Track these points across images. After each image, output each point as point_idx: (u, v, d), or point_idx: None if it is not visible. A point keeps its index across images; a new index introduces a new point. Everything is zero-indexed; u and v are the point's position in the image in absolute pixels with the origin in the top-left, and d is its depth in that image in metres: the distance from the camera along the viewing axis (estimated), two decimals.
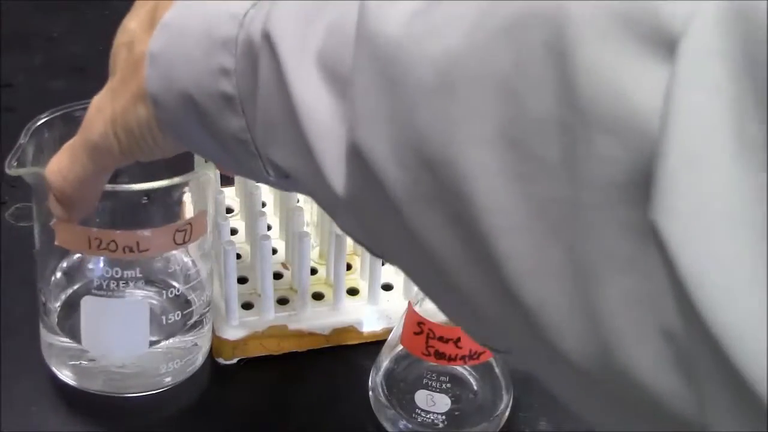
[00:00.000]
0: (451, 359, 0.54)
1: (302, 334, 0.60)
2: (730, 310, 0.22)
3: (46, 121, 0.54)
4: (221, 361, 0.59)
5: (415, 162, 0.30)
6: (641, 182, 0.24)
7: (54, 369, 0.57)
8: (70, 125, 0.54)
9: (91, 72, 0.83)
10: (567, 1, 0.26)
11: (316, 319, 0.60)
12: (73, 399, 0.56)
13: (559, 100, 0.26)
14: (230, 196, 0.68)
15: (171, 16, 0.40)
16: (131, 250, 0.51)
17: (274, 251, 0.62)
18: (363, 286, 0.63)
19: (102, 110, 0.43)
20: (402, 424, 0.55)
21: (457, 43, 0.29)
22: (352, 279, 0.63)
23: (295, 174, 0.36)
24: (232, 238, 0.62)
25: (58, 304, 0.58)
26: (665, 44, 0.24)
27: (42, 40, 0.87)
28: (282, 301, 0.61)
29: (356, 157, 0.32)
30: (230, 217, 0.66)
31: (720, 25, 0.23)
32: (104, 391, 0.56)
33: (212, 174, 0.55)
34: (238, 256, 0.60)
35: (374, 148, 0.31)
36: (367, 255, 0.62)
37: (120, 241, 0.51)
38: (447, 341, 0.53)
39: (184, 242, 0.53)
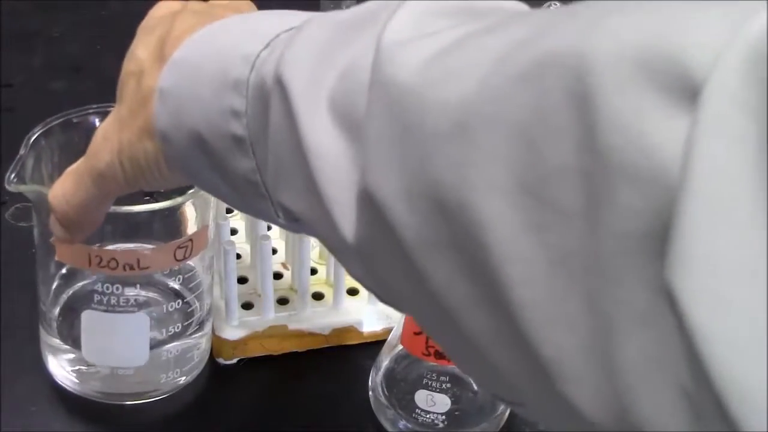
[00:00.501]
0: None
1: (302, 334, 0.60)
2: (737, 370, 0.21)
3: (44, 131, 0.53)
4: (221, 361, 0.59)
5: (429, 209, 0.29)
6: (661, 234, 0.23)
7: (53, 373, 0.57)
8: (69, 132, 0.54)
9: (90, 72, 0.83)
10: (586, 48, 0.25)
11: (316, 319, 0.60)
12: (72, 399, 0.56)
13: (580, 148, 0.25)
14: None
15: (182, 53, 0.40)
16: (132, 268, 0.51)
17: (274, 251, 0.62)
18: None
19: (108, 139, 0.43)
20: (402, 424, 0.55)
21: (473, 89, 0.28)
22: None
23: (305, 218, 0.36)
24: (232, 238, 0.62)
25: (57, 309, 0.58)
26: (688, 92, 0.23)
27: (42, 40, 0.87)
28: (282, 301, 0.61)
29: (368, 203, 0.32)
30: (230, 217, 0.66)
31: (743, 72, 0.22)
32: (104, 399, 0.56)
33: None
34: (238, 256, 0.60)
35: (387, 194, 0.31)
36: None
37: (120, 258, 0.51)
38: None
39: (185, 258, 0.53)
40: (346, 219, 0.33)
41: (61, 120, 0.54)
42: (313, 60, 0.35)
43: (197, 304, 0.57)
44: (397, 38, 0.32)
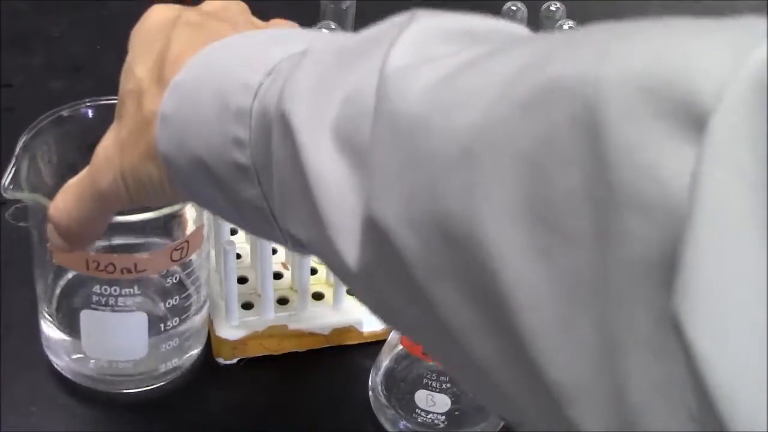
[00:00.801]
0: None
1: (302, 334, 0.60)
2: (741, 400, 0.22)
3: (36, 131, 0.54)
4: (221, 361, 0.59)
5: (436, 236, 0.29)
6: (669, 263, 0.23)
7: (53, 361, 0.57)
8: (62, 127, 0.55)
9: (90, 72, 0.83)
10: (593, 76, 0.25)
11: (316, 319, 0.60)
12: (73, 398, 0.56)
13: (589, 175, 0.25)
14: None
15: (184, 77, 0.39)
16: (129, 271, 0.52)
17: (274, 251, 0.62)
18: None
19: (110, 160, 0.42)
20: (402, 424, 0.55)
21: (479, 116, 0.28)
22: None
23: (310, 244, 0.36)
24: (232, 238, 0.62)
25: (55, 297, 0.58)
26: (695, 121, 0.23)
27: (42, 40, 0.87)
28: (282, 301, 0.61)
29: (373, 230, 0.31)
30: None
31: (749, 104, 0.22)
32: (103, 388, 0.56)
33: None
34: (238, 256, 0.60)
35: (392, 221, 0.30)
36: None
37: (118, 263, 0.52)
38: None
39: (181, 258, 0.54)
40: (350, 245, 0.33)
41: (52, 118, 0.55)
42: (315, 87, 0.35)
43: (196, 296, 0.57)
44: (400, 64, 0.32)
